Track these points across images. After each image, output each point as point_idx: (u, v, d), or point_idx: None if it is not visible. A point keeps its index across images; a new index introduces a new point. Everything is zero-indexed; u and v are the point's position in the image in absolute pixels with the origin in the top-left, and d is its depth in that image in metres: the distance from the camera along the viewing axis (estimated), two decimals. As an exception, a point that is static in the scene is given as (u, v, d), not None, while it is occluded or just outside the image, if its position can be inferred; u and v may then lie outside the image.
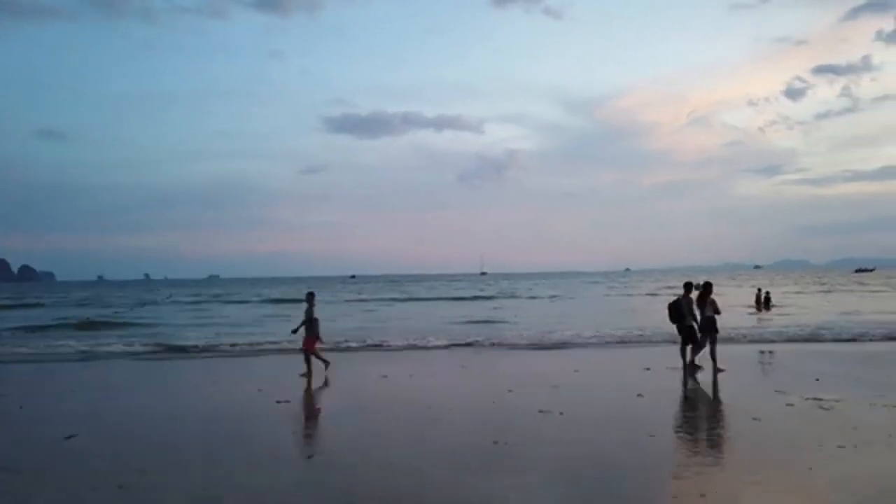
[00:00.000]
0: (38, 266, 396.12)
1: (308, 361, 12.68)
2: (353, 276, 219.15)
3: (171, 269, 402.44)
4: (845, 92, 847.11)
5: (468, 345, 18.26)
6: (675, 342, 14.21)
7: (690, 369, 12.30)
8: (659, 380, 11.57)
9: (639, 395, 9.90)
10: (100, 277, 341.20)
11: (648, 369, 12.72)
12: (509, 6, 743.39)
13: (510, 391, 10.40)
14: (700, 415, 8.97)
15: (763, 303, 32.37)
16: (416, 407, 9.41)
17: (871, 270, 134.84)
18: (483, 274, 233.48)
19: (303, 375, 12.46)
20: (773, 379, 11.34)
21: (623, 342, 18.31)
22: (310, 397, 10.92)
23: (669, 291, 54.66)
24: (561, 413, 8.57)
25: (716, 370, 11.86)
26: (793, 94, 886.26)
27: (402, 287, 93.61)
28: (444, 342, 18.54)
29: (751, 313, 30.03)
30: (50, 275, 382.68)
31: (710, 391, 10.56)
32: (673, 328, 13.15)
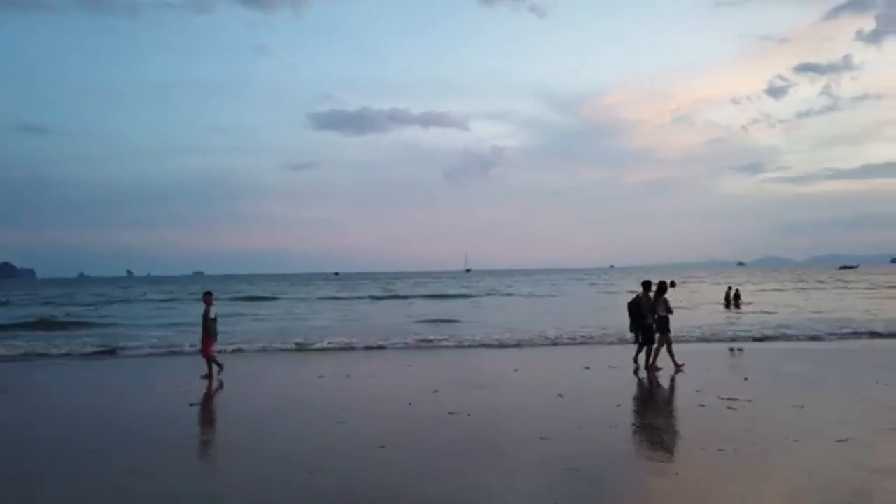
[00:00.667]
0: (19, 263, 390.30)
1: (209, 364, 12.15)
2: (336, 274, 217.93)
3: (155, 265, 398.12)
4: (826, 91, 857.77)
5: (426, 341, 18.31)
6: (628, 342, 14.06)
7: (652, 370, 12.31)
8: (592, 379, 11.50)
9: (559, 395, 9.75)
10: (81, 274, 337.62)
11: (588, 368, 12.62)
12: (496, 4, 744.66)
13: (435, 391, 10.24)
14: (605, 416, 8.56)
15: (733, 300, 32.32)
16: (330, 409, 9.15)
17: (855, 267, 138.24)
18: (468, 271, 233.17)
19: (204, 377, 12.01)
20: (701, 379, 11.19)
21: (582, 341, 18.06)
22: (229, 399, 10.59)
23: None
24: (469, 415, 8.41)
25: (676, 367, 12.20)
26: (775, 92, 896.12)
27: (383, 284, 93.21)
28: (404, 341, 18.32)
29: (721, 311, 30.16)
30: (31, 272, 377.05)
31: (637, 390, 10.56)
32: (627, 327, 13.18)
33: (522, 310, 34.37)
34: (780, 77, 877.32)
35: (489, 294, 56.67)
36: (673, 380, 11.32)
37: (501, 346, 17.52)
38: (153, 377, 13.25)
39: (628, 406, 9.49)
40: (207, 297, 12.65)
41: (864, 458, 6.13)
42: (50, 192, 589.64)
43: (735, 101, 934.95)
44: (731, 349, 16.07)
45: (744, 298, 33.72)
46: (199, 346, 12.63)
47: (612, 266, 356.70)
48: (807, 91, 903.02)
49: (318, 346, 17.84)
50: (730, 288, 34.45)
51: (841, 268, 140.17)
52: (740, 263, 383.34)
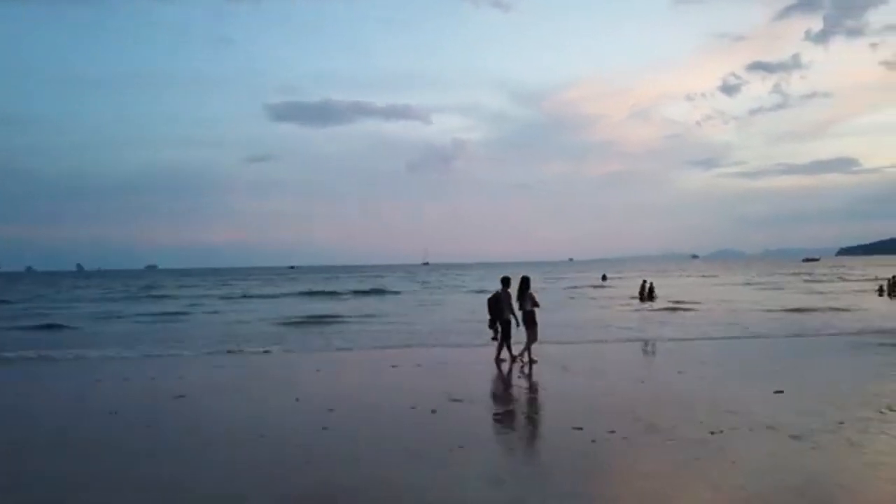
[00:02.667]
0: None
1: None
2: (292, 267, 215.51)
3: (107, 259, 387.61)
4: (777, 89, 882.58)
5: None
6: (485, 344, 14.03)
7: (517, 360, 12.68)
8: (384, 378, 11.66)
9: (296, 399, 9.54)
10: (28, 269, 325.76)
11: (395, 366, 12.63)
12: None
13: (181, 397, 9.98)
14: (343, 413, 8.56)
15: (647, 294, 33.22)
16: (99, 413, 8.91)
17: (817, 260, 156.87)
18: (426, 264, 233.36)
19: None
20: (498, 378, 11.45)
21: (458, 343, 16.81)
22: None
23: (604, 281, 55.06)
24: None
25: (530, 361, 12.49)
26: (728, 89, 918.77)
27: (327, 278, 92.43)
28: (261, 346, 16.85)
29: (634, 308, 30.60)
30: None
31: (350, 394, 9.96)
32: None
33: (445, 306, 33.39)
34: (734, 75, 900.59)
35: (424, 288, 56.45)
36: (501, 372, 11.43)
37: (374, 348, 16.30)
38: None
39: (331, 413, 8.81)
40: None
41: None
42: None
43: (690, 98, 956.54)
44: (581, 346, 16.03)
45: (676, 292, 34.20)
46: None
47: (571, 259, 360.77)
48: (758, 89, 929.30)
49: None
50: (644, 282, 35.14)
51: (805, 260, 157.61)
52: (694, 256, 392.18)
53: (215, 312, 30.89)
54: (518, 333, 12.93)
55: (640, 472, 5.84)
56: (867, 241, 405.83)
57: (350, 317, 26.30)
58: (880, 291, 34.25)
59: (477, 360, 13.57)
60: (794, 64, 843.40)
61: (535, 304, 12.91)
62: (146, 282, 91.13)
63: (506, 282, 13.14)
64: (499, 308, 12.86)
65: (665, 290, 37.57)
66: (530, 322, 12.77)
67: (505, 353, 13.00)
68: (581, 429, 7.29)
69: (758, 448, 6.46)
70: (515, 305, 12.96)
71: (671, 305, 28.31)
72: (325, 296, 47.19)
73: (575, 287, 50.53)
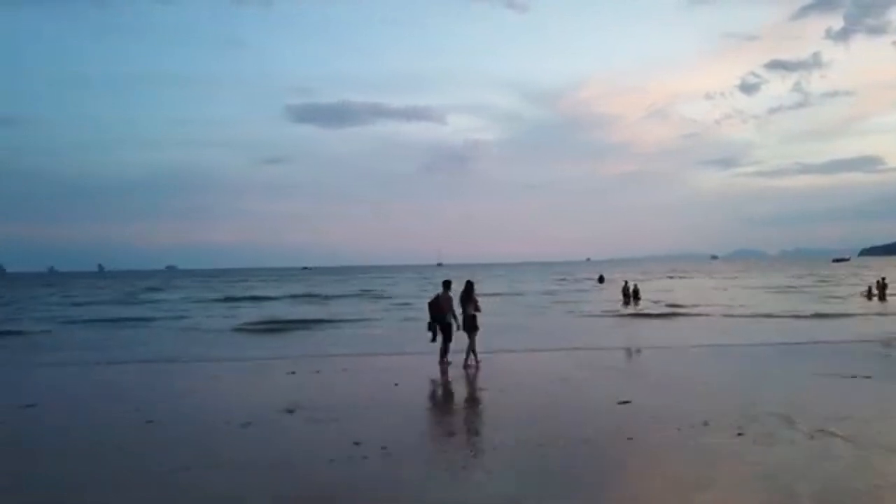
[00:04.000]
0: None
1: None
2: (305, 268, 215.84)
3: (128, 260, 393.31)
4: (797, 87, 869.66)
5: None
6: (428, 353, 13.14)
7: (443, 365, 12.47)
8: (253, 385, 11.30)
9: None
10: (51, 269, 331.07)
11: (293, 373, 12.23)
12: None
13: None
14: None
15: (632, 295, 32.20)
16: None
17: (847, 260, 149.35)
18: (439, 265, 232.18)
19: None
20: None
21: (405, 350, 15.49)
22: None
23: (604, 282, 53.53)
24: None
25: (476, 364, 12.34)
26: (747, 88, 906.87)
27: (337, 279, 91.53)
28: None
29: (614, 312, 28.96)
30: None
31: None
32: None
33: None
34: (753, 73, 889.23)
35: (422, 291, 54.46)
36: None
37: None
38: None
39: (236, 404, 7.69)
40: None
41: None
42: (16, 183, 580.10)
43: (709, 97, 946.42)
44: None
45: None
46: None
47: (588, 259, 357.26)
48: (778, 87, 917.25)
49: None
50: (626, 283, 34.61)
51: (834, 260, 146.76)
52: (714, 257, 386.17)
53: (181, 318, 29.43)
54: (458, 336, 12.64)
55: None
56: (890, 241, 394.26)
57: (322, 321, 24.91)
58: (869, 294, 32.52)
59: (401, 366, 13.03)
60: (815, 62, 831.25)
61: (478, 309, 12.79)
62: (153, 283, 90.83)
63: (447, 285, 13.11)
64: (439, 310, 12.73)
65: (674, 293, 35.78)
66: (472, 326, 12.57)
67: (464, 358, 12.54)
68: (359, 444, 6.71)
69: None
70: (459, 309, 12.75)
71: (663, 310, 26.67)
72: (315, 299, 45.56)
73: (565, 289, 48.56)
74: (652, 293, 37.37)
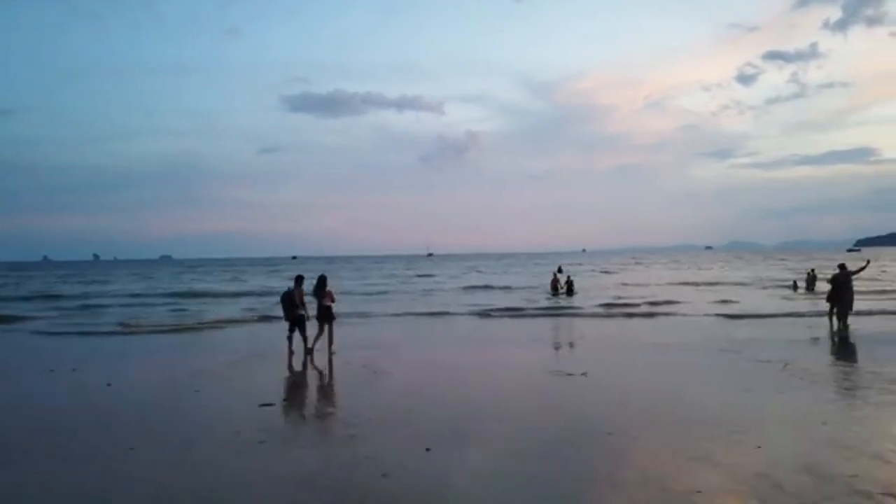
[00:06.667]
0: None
1: None
2: (294, 258, 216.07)
3: (123, 249, 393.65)
4: (794, 78, 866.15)
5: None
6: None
7: (308, 354, 13.06)
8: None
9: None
10: (45, 258, 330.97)
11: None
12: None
13: None
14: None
15: (565, 287, 31.34)
16: None
17: (858, 251, 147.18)
18: (429, 255, 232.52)
19: None
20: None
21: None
22: None
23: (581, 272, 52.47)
24: None
25: (331, 353, 13.07)
26: (744, 79, 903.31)
27: (316, 269, 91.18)
28: None
29: (547, 298, 29.51)
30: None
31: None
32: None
33: (383, 301, 31.72)
34: (750, 64, 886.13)
35: (409, 281, 54.00)
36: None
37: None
38: None
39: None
40: None
41: None
42: (12, 173, 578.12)
43: (706, 88, 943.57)
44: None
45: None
46: None
47: (583, 250, 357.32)
48: (775, 78, 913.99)
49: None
50: (555, 274, 34.28)
51: (849, 251, 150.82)
52: (708, 247, 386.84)
53: (127, 305, 30.08)
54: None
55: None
56: (885, 232, 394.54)
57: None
58: (794, 286, 31.98)
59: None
60: (812, 53, 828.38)
61: (332, 300, 13.61)
62: (139, 271, 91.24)
63: (299, 280, 13.67)
64: (292, 304, 13.31)
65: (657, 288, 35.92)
66: (326, 317, 13.41)
67: (318, 344, 13.39)
68: (133, 450, 6.57)
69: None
70: (314, 302, 13.56)
71: (603, 305, 25.39)
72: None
73: (511, 282, 46.62)
74: (613, 288, 37.01)
